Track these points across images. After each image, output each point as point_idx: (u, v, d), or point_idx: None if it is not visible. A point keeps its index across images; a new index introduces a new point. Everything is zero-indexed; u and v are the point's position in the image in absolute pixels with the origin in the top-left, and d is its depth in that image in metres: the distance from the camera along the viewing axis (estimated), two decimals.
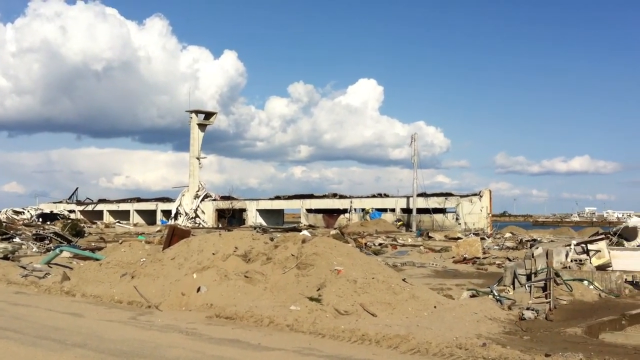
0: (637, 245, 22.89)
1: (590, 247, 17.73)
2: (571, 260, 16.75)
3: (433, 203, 62.63)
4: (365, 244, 32.39)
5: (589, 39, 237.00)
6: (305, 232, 22.43)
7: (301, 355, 9.13)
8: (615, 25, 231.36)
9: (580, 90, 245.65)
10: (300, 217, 73.32)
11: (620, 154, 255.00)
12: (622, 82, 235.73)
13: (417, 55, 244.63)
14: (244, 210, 76.94)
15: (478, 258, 25.24)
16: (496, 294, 13.94)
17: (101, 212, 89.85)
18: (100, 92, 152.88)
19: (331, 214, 69.79)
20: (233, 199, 77.66)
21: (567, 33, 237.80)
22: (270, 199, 78.16)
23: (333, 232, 38.00)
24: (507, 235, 42.87)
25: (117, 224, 68.25)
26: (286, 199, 76.81)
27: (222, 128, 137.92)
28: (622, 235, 25.30)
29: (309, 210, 72.25)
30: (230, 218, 73.89)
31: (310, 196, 74.31)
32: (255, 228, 48.27)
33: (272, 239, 17.63)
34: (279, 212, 79.78)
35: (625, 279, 16.23)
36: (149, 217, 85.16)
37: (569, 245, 17.63)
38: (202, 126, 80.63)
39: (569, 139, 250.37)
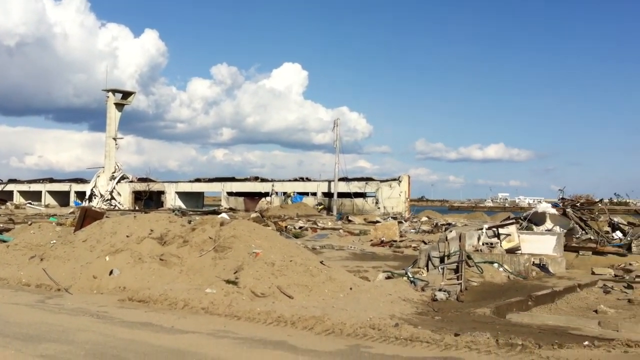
0: (546, 230, 23.88)
1: (501, 231, 18.38)
2: (483, 244, 17.32)
3: (354, 187, 63.41)
4: (286, 227, 32.41)
5: (503, 29, 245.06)
6: (223, 215, 22.20)
7: (215, 337, 9.02)
8: (529, 17, 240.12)
9: (497, 80, 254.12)
10: (220, 200, 72.62)
11: (532, 143, 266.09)
12: (536, 74, 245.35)
13: (342, 40, 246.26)
14: (162, 192, 75.47)
15: (395, 241, 25.73)
16: (410, 275, 14.25)
17: (11, 192, 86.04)
18: (12, 69, 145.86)
19: (252, 198, 69.45)
20: (151, 180, 75.97)
21: (484, 22, 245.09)
22: (190, 181, 76.97)
23: (253, 215, 37.84)
24: (424, 219, 43.92)
25: (28, 205, 65.57)
26: (206, 182, 75.83)
27: (141, 108, 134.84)
28: (531, 220, 26.37)
29: (230, 194, 71.62)
30: (148, 200, 72.32)
31: (232, 179, 73.63)
32: (173, 211, 47.44)
33: (190, 222, 17.35)
34: (199, 195, 78.77)
35: (533, 262, 16.93)
36: (62, 198, 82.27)
37: (481, 229, 18.23)
38: (119, 106, 78.29)
39: (485, 127, 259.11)
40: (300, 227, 33.40)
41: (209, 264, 13.33)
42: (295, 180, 69.92)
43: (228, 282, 12.08)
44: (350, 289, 12.16)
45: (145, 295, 11.92)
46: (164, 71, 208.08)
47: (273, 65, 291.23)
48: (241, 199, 70.14)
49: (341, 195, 62.45)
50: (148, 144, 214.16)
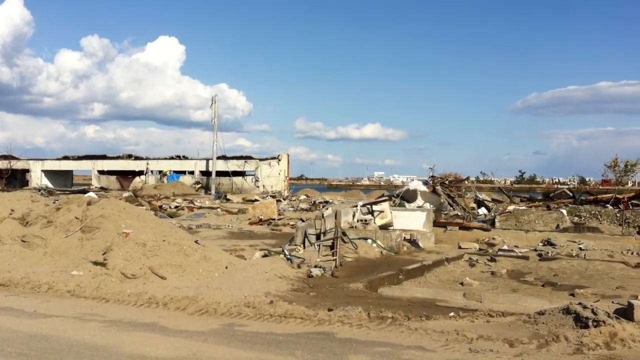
0: (417, 207, 24.80)
1: (375, 208, 18.88)
2: (358, 220, 17.70)
3: (233, 166, 62.73)
4: (161, 206, 31.55)
5: (378, 11, 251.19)
6: (91, 194, 21.20)
7: (82, 321, 8.57)
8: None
9: (373, 62, 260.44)
10: (91, 179, 69.41)
11: (406, 123, 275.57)
12: (409, 56, 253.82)
13: (221, 15, 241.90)
14: (27, 171, 70.94)
15: (273, 219, 25.77)
16: (287, 253, 14.29)
17: None
18: None
19: (126, 176, 66.89)
20: (13, 158, 71.02)
21: (362, 4, 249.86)
22: (58, 159, 72.74)
23: (126, 194, 36.47)
24: (302, 197, 44.36)
25: None
26: (76, 160, 72.04)
27: (4, 81, 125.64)
28: (404, 198, 27.32)
29: (101, 172, 68.54)
30: (11, 179, 67.71)
31: (103, 157, 70.40)
32: (39, 190, 44.73)
33: (55, 202, 16.39)
34: (68, 174, 74.67)
35: (404, 237, 17.53)
36: None
37: (356, 206, 18.60)
38: None
39: (362, 107, 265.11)
40: (176, 207, 32.63)
41: (76, 245, 12.67)
42: (172, 158, 68.09)
43: (96, 263, 11.53)
44: (226, 268, 11.98)
45: (5, 278, 11.16)
46: (30, 42, 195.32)
47: (148, 39, 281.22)
48: (113, 177, 67.36)
49: (220, 174, 61.63)
50: (12, 119, 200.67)
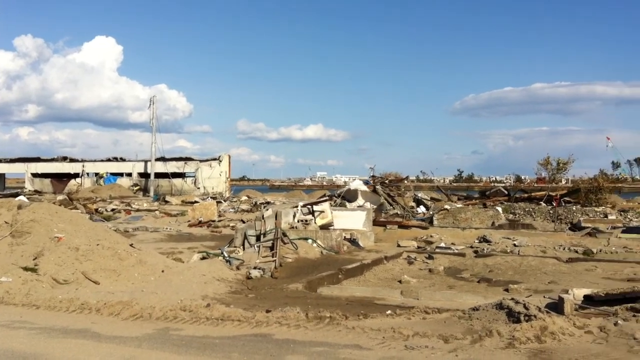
0: (357, 206, 24.98)
1: (315, 208, 18.90)
2: (298, 221, 17.67)
3: (172, 167, 61.71)
4: (96, 209, 30.78)
5: (320, 13, 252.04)
6: (21, 198, 20.49)
7: (10, 329, 8.24)
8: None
9: (316, 62, 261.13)
10: (25, 182, 67.08)
11: (349, 124, 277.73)
12: (351, 59, 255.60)
13: (160, 15, 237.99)
14: None
15: (213, 221, 25.49)
16: (226, 255, 14.14)
17: None
18: None
19: (60, 179, 64.89)
20: None
21: (306, 5, 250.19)
22: None
23: (60, 197, 35.43)
24: (244, 198, 44.05)
25: None
26: (7, 162, 69.48)
27: None
28: (345, 197, 27.49)
29: (35, 175, 66.33)
30: None
31: (37, 159, 68.12)
32: None
33: None
34: (0, 177, 72.08)
35: (344, 237, 17.61)
36: None
37: (297, 207, 18.57)
38: None
39: (305, 108, 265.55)
40: (112, 210, 31.88)
41: (5, 250, 12.16)
42: (109, 160, 66.45)
43: (26, 269, 11.11)
44: (162, 271, 11.77)
45: None
46: None
47: (84, 39, 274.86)
48: (48, 180, 65.25)
49: (159, 175, 60.54)
50: None
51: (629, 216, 27.28)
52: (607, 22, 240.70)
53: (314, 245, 16.14)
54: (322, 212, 18.78)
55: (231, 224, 24.22)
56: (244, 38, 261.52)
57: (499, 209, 27.18)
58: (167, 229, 23.52)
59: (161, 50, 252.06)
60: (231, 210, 33.21)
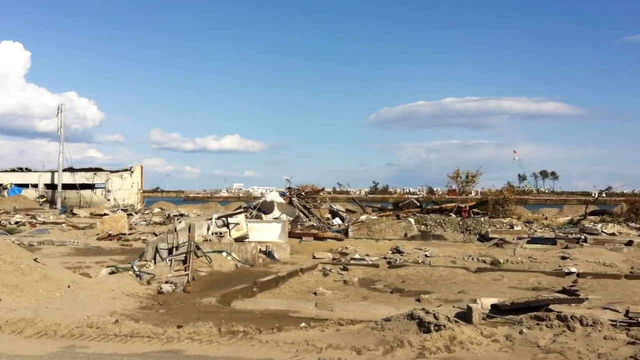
0: (273, 218, 24.87)
1: (230, 220, 18.66)
2: (212, 233, 17.40)
3: (81, 178, 59.46)
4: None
5: (242, 24, 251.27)
6: None
7: None
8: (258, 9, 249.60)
9: (234, 72, 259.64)
10: None
11: (266, 135, 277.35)
12: (265, 71, 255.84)
13: (70, 20, 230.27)
14: None
15: (124, 234, 24.73)
16: (136, 269, 13.72)
17: None
18: None
19: None
20: None
21: (225, 14, 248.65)
22: None
23: None
24: (156, 210, 43.05)
25: None
26: None
27: None
28: (261, 209, 27.29)
29: None
30: None
31: None
32: None
33: None
34: None
35: (260, 249, 17.48)
36: None
37: (211, 219, 18.30)
38: None
39: (221, 118, 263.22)
40: (16, 222, 30.37)
41: None
42: (13, 170, 63.26)
43: None
44: (69, 286, 11.27)
45: None
46: None
47: None
48: None
49: (67, 187, 58.17)
50: None
51: (533, 227, 28.54)
52: (512, 40, 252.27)
53: (229, 258, 15.93)
54: (237, 224, 18.57)
55: (142, 237, 23.55)
56: (159, 44, 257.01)
57: (412, 220, 27.80)
58: (74, 242, 22.59)
59: (72, 56, 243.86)
60: (143, 222, 32.34)
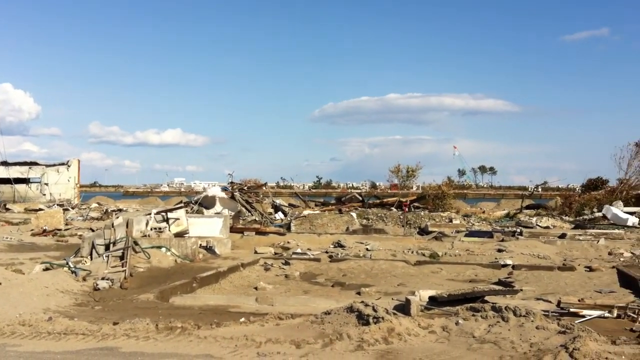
0: (215, 213, 24.66)
1: (170, 215, 18.38)
2: (151, 229, 17.09)
3: (15, 172, 57.44)
4: None
5: (185, 16, 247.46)
6: None
7: None
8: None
9: (175, 64, 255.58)
10: None
11: (209, 129, 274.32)
12: (212, 62, 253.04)
13: (6, 7, 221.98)
14: None
15: (59, 230, 24.07)
16: (72, 265, 13.35)
17: None
18: None
19: None
20: None
21: (167, 7, 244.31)
22: None
23: None
24: (94, 205, 42.10)
25: None
26: None
27: None
28: (202, 204, 27.05)
29: None
30: None
31: None
32: None
33: None
34: None
35: (200, 244, 17.29)
36: None
37: (150, 214, 17.98)
38: None
39: (162, 112, 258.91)
40: None
41: None
42: None
43: None
44: (0, 284, 10.89)
45: None
46: None
47: None
48: None
49: (0, 181, 56.21)
50: None
51: (471, 221, 29.18)
52: (454, 37, 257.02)
53: (168, 253, 15.69)
54: (177, 219, 18.29)
55: (79, 233, 22.96)
56: (97, 34, 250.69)
57: (354, 214, 28.03)
58: (7, 238, 21.83)
59: (7, 46, 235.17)
60: (80, 218, 31.57)
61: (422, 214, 29.32)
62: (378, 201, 35.79)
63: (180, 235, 17.70)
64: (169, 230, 17.64)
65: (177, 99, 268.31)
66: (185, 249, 16.33)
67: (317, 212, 30.28)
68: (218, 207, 26.61)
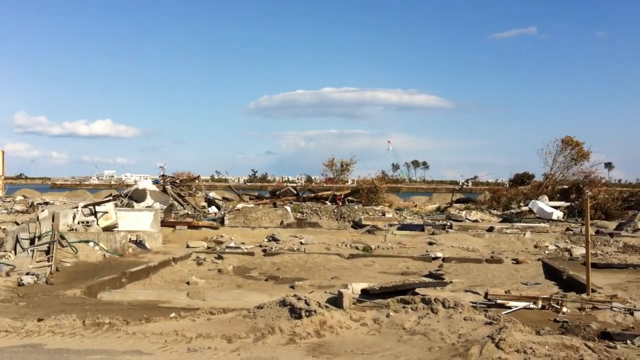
0: (146, 207, 24.13)
1: (98, 209, 17.90)
2: (78, 222, 16.61)
3: None
4: None
5: (114, 10, 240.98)
6: None
7: None
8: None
9: (105, 55, 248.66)
10: None
11: (141, 120, 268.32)
12: (142, 53, 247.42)
13: None
14: None
15: None
16: None
17: None
18: None
19: None
20: None
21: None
22: None
23: None
24: (19, 198, 40.59)
25: None
26: None
27: None
28: (132, 197, 26.41)
29: None
30: None
31: None
32: None
33: None
34: None
35: (130, 239, 16.91)
36: None
37: (77, 207, 17.46)
38: None
39: (92, 102, 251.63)
40: None
41: None
42: None
43: None
44: None
45: None
46: None
47: None
48: None
49: None
50: None
51: (404, 214, 29.68)
52: (388, 33, 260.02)
53: (96, 248, 15.29)
54: (105, 212, 17.82)
55: (2, 227, 22.05)
56: (24, 20, 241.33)
57: (288, 208, 28.02)
58: None
59: None
60: (4, 211, 30.35)
61: (356, 207, 29.60)
62: (313, 195, 35.89)
63: (109, 229, 17.27)
64: (97, 224, 17.20)
65: (108, 88, 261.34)
66: (114, 243, 15.96)
67: (252, 205, 30.11)
68: (149, 201, 26.03)
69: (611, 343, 7.05)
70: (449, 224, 23.78)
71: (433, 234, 20.99)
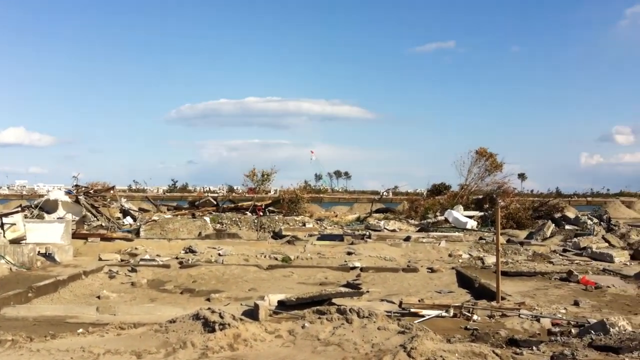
0: (58, 218, 23.24)
1: (5, 220, 17.12)
2: None
3: None
4: None
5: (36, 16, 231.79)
6: None
7: None
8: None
9: (17, 58, 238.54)
10: None
11: (55, 128, 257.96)
12: (61, 60, 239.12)
13: None
14: None
15: None
16: None
17: None
18: None
19: None
20: None
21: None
22: None
23: None
24: None
25: None
26: None
27: None
28: (43, 208, 25.41)
29: None
30: None
31: None
32: None
33: None
34: None
35: (39, 251, 16.23)
36: None
37: None
38: None
39: (3, 108, 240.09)
40: None
41: None
42: None
43: None
44: None
45: None
46: None
47: None
48: None
49: None
50: None
51: (324, 224, 29.80)
52: (312, 44, 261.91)
53: (2, 261, 14.57)
54: (13, 224, 17.03)
55: None
56: None
57: (207, 219, 27.58)
58: None
59: None
60: None
61: (276, 218, 29.48)
62: (233, 205, 35.50)
63: (16, 241, 16.51)
64: (4, 236, 16.42)
65: (21, 95, 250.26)
66: (21, 256, 15.27)
67: (169, 216, 29.50)
68: (61, 212, 25.07)
69: (518, 350, 7.29)
70: (367, 233, 24.02)
71: (352, 243, 21.15)
